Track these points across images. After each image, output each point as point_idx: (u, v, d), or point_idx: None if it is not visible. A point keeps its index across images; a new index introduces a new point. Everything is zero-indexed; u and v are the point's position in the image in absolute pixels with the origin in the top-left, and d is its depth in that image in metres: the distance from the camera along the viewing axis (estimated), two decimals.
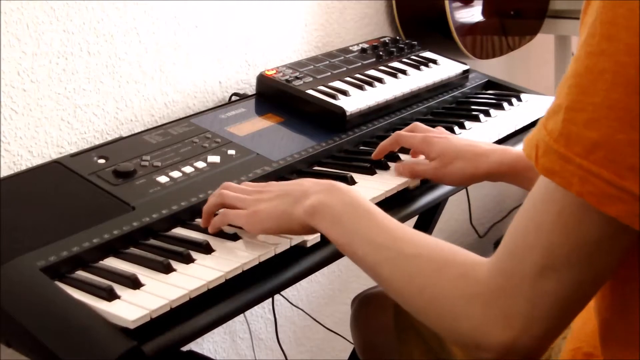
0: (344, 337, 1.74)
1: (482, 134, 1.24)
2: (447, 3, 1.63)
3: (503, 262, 0.64)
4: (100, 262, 0.87)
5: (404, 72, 1.40)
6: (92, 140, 1.23)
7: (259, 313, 1.66)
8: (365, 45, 1.50)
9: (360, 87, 1.31)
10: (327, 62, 1.40)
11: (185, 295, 0.79)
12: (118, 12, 1.24)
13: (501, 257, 0.65)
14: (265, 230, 0.87)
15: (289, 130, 1.22)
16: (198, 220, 0.96)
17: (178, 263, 0.85)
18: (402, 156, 1.14)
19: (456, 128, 1.24)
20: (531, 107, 1.37)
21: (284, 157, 1.12)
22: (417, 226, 1.66)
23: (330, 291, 1.83)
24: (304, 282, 1.71)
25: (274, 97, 1.29)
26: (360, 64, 1.41)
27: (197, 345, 1.51)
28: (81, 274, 0.84)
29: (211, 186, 1.01)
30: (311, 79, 1.31)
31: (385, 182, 1.06)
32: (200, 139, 1.13)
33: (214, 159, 1.08)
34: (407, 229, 0.75)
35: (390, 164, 1.11)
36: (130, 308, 0.76)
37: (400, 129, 1.11)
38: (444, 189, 1.12)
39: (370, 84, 1.32)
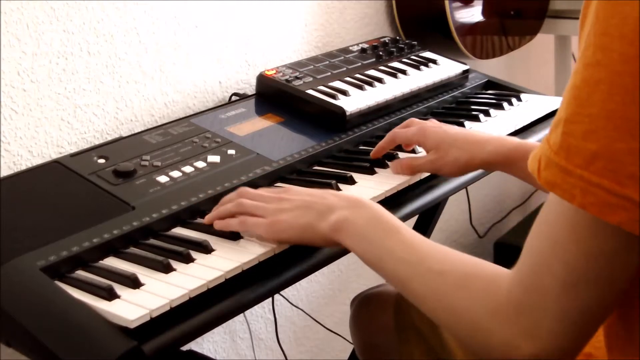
0: (344, 337, 1.74)
1: None
2: (447, 3, 1.63)
3: (524, 277, 0.64)
4: (100, 261, 0.87)
5: (403, 72, 1.40)
6: (92, 140, 1.23)
7: (259, 313, 1.66)
8: (365, 45, 1.50)
9: (360, 87, 1.31)
10: (327, 62, 1.40)
11: (185, 295, 0.79)
12: (118, 12, 1.24)
13: (522, 271, 0.65)
14: (286, 240, 0.87)
15: (289, 130, 1.22)
16: (199, 220, 0.96)
17: (178, 263, 0.85)
18: (400, 155, 1.14)
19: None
20: (531, 107, 1.37)
21: (284, 157, 1.12)
22: (417, 226, 1.66)
23: (330, 291, 1.83)
24: (304, 282, 1.71)
25: (274, 97, 1.29)
26: (360, 64, 1.41)
27: (197, 345, 1.51)
28: (81, 273, 0.84)
29: (211, 186, 1.01)
30: (311, 79, 1.31)
31: (386, 182, 1.06)
32: (200, 139, 1.13)
33: (214, 158, 1.08)
34: (433, 245, 0.76)
35: (389, 163, 1.11)
36: (130, 308, 0.76)
37: None
38: (444, 188, 1.11)
39: (370, 84, 1.32)
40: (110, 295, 0.78)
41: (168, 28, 1.32)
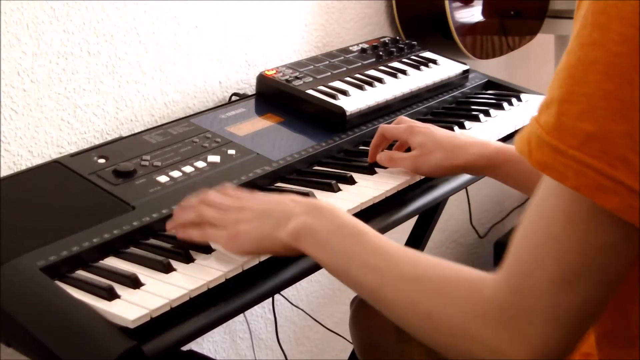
0: (344, 337, 1.74)
1: (482, 134, 1.24)
2: (447, 3, 1.63)
3: (512, 278, 0.61)
4: (100, 261, 0.87)
5: (403, 72, 1.40)
6: (92, 140, 1.23)
7: (259, 313, 1.66)
8: (365, 46, 1.50)
9: (360, 87, 1.31)
10: (327, 62, 1.40)
11: (185, 295, 0.79)
12: (118, 12, 1.24)
13: (509, 271, 0.61)
14: (245, 253, 0.84)
15: (289, 130, 1.22)
16: None
17: (178, 263, 0.85)
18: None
19: (456, 128, 1.24)
20: (531, 107, 1.37)
21: (284, 156, 1.12)
22: (417, 226, 1.66)
23: (330, 291, 1.83)
24: (304, 282, 1.71)
25: (274, 97, 1.29)
26: (360, 64, 1.41)
27: (197, 345, 1.51)
28: (81, 273, 0.84)
29: (211, 186, 1.01)
30: (311, 79, 1.31)
31: (386, 182, 1.06)
32: (200, 139, 1.13)
33: (214, 158, 1.08)
34: (403, 249, 0.72)
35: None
36: (130, 308, 0.76)
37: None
38: (444, 188, 1.12)
39: (370, 84, 1.32)
40: (111, 295, 0.78)
41: (168, 28, 1.32)
